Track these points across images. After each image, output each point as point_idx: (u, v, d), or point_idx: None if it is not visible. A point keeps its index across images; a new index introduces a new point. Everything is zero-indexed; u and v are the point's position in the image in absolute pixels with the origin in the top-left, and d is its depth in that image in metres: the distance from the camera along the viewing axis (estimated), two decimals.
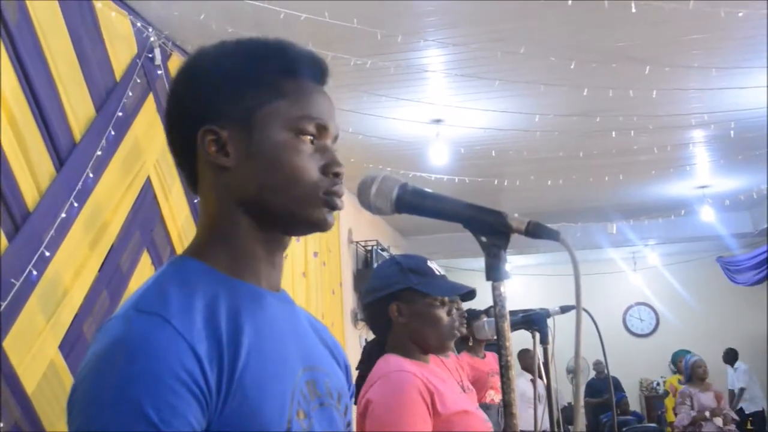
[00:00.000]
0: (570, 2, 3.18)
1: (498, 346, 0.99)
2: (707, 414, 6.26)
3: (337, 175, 0.96)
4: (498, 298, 0.99)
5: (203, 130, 0.94)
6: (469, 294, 1.99)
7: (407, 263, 1.90)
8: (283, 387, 0.87)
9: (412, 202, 0.99)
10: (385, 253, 7.39)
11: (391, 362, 1.81)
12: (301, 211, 0.94)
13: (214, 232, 0.95)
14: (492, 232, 0.97)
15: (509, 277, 1.00)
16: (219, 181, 0.95)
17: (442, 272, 1.94)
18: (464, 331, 3.60)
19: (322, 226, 0.96)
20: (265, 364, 0.86)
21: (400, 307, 1.86)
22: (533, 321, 2.51)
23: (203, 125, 0.94)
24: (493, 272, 0.98)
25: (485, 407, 3.64)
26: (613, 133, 5.13)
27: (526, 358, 5.62)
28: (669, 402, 8.21)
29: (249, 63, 0.96)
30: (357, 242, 7.05)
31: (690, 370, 6.55)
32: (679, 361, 8.15)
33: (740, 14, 3.44)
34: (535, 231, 0.97)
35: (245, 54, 0.97)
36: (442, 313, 1.88)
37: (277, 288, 0.99)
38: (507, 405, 0.99)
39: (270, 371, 0.86)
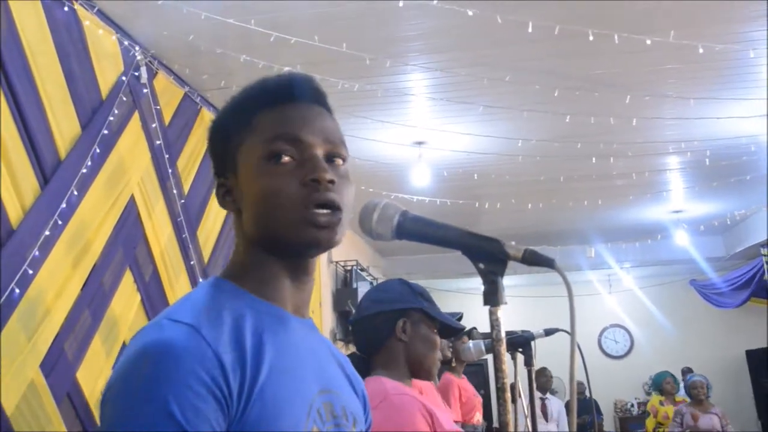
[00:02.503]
0: (556, 31, 3.25)
1: (495, 368, 1.00)
2: None
3: (314, 180, 0.92)
4: (495, 323, 1.00)
5: (216, 183, 1.03)
6: (458, 331, 2.05)
7: (416, 287, 1.95)
8: (299, 404, 0.91)
9: (413, 229, 1.02)
10: (364, 273, 7.39)
11: (387, 385, 1.81)
12: (289, 233, 0.93)
13: (244, 263, 1.00)
14: (490, 259, 0.99)
15: (506, 303, 1.02)
16: (237, 223, 1.02)
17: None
18: (449, 355, 3.63)
19: (314, 245, 0.94)
20: (284, 381, 0.90)
21: (406, 325, 1.88)
22: (517, 343, 2.54)
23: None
24: (491, 298, 0.99)
25: (472, 428, 3.65)
26: (594, 158, 5.21)
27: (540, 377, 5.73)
28: (650, 423, 8.26)
29: (234, 110, 1.02)
30: (336, 262, 7.04)
31: (687, 391, 6.66)
32: (665, 382, 8.21)
33: (717, 48, 3.54)
34: (532, 259, 0.99)
35: (233, 103, 1.04)
36: (438, 341, 1.93)
37: (303, 314, 1.02)
38: (503, 425, 1.01)
39: (288, 388, 0.90)
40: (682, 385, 8.89)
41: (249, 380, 0.85)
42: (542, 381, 5.50)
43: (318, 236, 0.92)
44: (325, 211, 0.92)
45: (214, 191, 1.04)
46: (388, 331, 1.88)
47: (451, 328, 1.97)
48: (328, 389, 0.98)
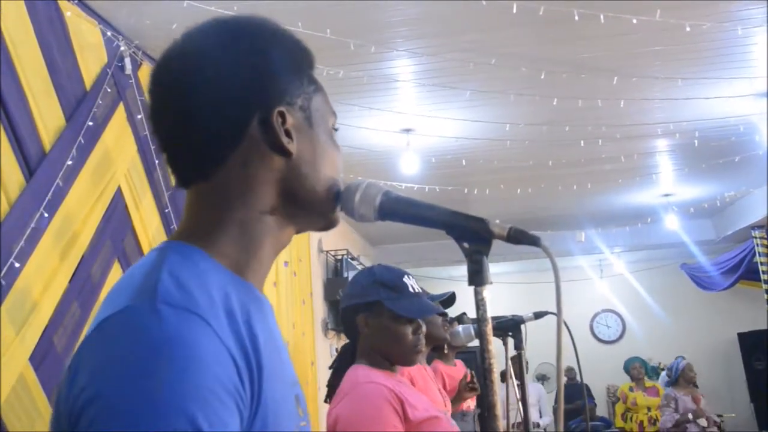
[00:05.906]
0: (541, 12, 3.23)
1: (480, 349, 1.00)
2: (690, 416, 6.38)
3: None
4: (480, 303, 1.00)
5: (278, 111, 0.87)
6: (448, 301, 2.04)
7: (382, 276, 1.92)
8: (289, 403, 0.84)
9: (396, 209, 1.00)
10: (355, 263, 7.39)
11: (359, 374, 1.84)
12: (327, 206, 0.95)
13: (232, 220, 0.86)
14: (474, 238, 0.98)
15: (491, 283, 1.01)
16: (271, 167, 0.87)
17: (418, 289, 1.95)
18: (447, 336, 3.62)
19: (335, 222, 0.99)
20: (275, 381, 0.79)
21: (367, 319, 1.90)
22: (506, 327, 2.54)
23: (272, 106, 0.87)
24: (476, 277, 0.99)
25: (463, 414, 3.65)
26: (582, 142, 5.21)
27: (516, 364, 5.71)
28: (619, 408, 8.34)
29: (296, 47, 0.95)
30: (327, 252, 7.03)
31: (680, 374, 6.67)
32: (632, 368, 8.28)
33: (705, 26, 3.53)
34: (517, 237, 0.99)
35: (289, 37, 0.95)
36: (406, 330, 1.90)
37: (262, 290, 0.95)
38: (490, 407, 1.00)
39: (278, 386, 0.80)
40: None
41: (256, 381, 0.75)
42: (518, 368, 5.49)
43: (338, 217, 0.98)
44: None
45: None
46: (355, 326, 1.92)
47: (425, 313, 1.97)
48: (294, 381, 0.90)
